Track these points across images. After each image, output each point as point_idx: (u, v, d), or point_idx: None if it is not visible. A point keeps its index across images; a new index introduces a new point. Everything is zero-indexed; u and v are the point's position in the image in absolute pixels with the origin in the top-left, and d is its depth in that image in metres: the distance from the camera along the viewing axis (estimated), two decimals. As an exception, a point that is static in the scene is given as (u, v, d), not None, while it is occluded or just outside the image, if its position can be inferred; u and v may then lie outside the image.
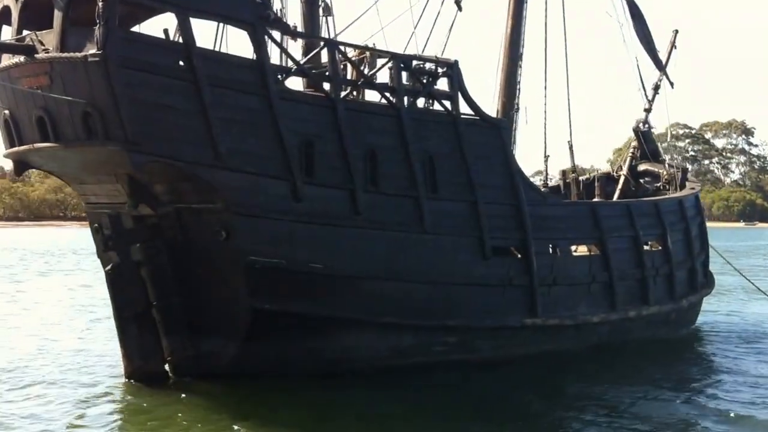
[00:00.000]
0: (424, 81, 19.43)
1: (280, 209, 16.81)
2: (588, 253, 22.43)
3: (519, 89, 24.75)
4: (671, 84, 29.69)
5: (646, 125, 29.89)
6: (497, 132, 20.30)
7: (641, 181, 29.51)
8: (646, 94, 29.18)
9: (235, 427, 14.65)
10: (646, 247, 24.05)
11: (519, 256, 20.48)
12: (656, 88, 29.37)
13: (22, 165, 17.24)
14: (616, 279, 22.30)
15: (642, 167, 29.89)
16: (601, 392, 17.75)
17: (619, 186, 29.07)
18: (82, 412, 15.68)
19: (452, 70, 19.48)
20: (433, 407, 16.31)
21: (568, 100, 25.75)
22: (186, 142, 15.78)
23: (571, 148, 25.99)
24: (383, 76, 18.98)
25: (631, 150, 30.36)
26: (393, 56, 18.80)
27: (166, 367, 17.92)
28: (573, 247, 22.40)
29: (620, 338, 22.63)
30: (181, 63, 15.69)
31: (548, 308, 20.71)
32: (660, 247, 24.35)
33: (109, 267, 17.36)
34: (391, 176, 18.25)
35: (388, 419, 15.51)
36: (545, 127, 25.31)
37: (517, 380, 18.95)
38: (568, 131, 26.55)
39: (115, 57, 14.85)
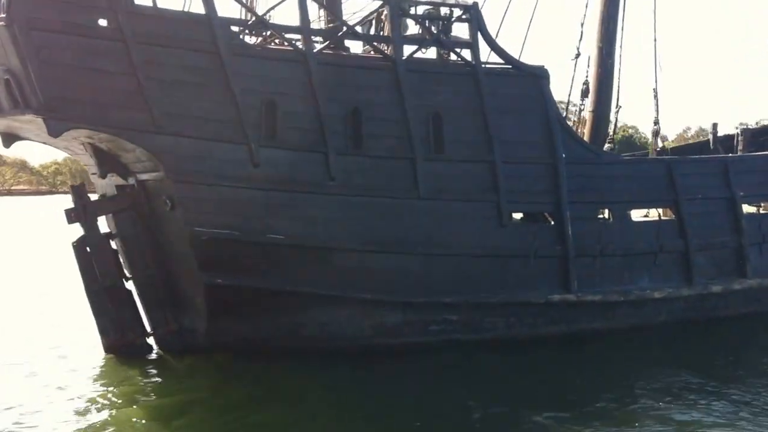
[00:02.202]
0: (434, 28, 17.22)
1: (234, 176, 15.50)
2: (657, 219, 19.28)
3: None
4: None
5: None
6: (534, 81, 17.75)
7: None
8: None
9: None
10: (751, 210, 20.48)
11: (552, 222, 17.87)
12: None
13: (7, 137, 16.80)
14: (693, 248, 19.06)
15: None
16: (613, 379, 15.62)
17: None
18: (60, 386, 15.16)
19: (470, 13, 17.17)
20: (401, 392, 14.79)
21: (655, 39, 22.18)
22: (113, 107, 14.78)
23: (656, 96, 22.46)
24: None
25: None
26: (387, 1, 16.78)
27: (151, 341, 17.09)
28: (644, 212, 19.37)
29: (703, 316, 19.44)
30: (101, 22, 14.62)
31: (589, 282, 18.02)
32: None
33: (75, 240, 16.71)
34: (379, 136, 16.42)
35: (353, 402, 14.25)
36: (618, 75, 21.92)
37: (533, 362, 16.85)
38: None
39: (22, 19, 14.07)
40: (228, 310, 15.93)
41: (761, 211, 21.00)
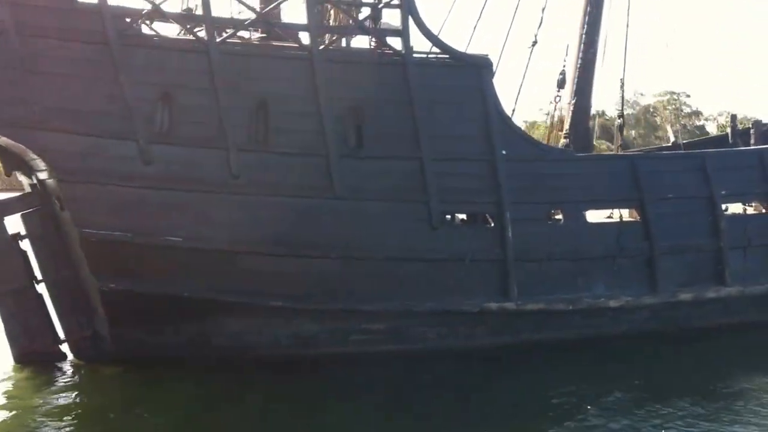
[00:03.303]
0: (361, 15, 16.16)
1: (124, 174, 14.61)
2: (617, 220, 17.67)
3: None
4: None
5: None
6: (474, 72, 16.37)
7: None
8: None
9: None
10: (736, 210, 18.66)
11: (492, 224, 16.47)
12: None
13: None
14: (660, 252, 17.36)
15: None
16: (548, 399, 14.09)
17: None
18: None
19: (402, 1, 15.94)
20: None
21: (627, 24, 20.42)
22: None
23: (622, 86, 20.64)
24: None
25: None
26: (304, -14, 15.66)
27: (65, 348, 16.30)
28: (610, 212, 17.79)
29: (675, 327, 17.73)
30: None
31: (534, 289, 16.54)
32: (764, 210, 18.69)
33: None
34: (289, 131, 15.31)
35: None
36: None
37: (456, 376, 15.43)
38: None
39: None
40: (128, 317, 15.03)
41: (750, 212, 18.94)
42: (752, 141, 22.42)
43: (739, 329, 18.40)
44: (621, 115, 20.29)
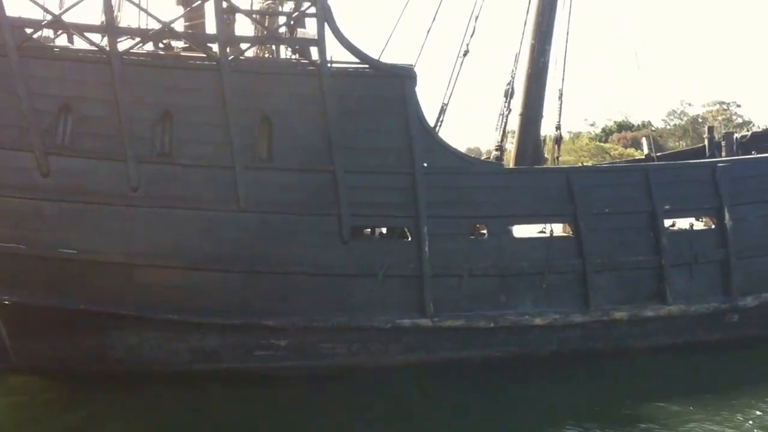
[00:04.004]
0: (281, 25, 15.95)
1: (19, 185, 14.51)
2: (546, 235, 17.04)
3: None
4: None
5: None
6: (395, 82, 15.97)
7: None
8: None
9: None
10: (682, 226, 17.94)
11: (409, 238, 16.02)
12: None
13: None
14: (593, 269, 16.70)
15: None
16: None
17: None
18: None
19: (317, 9, 15.62)
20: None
21: (567, 32, 19.66)
22: None
23: (560, 97, 19.88)
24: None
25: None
26: (211, -5, 15.44)
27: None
28: (545, 227, 17.20)
29: (611, 346, 17.05)
30: None
31: (453, 305, 16.02)
32: (713, 226, 17.87)
33: None
34: (194, 143, 15.06)
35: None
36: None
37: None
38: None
39: None
40: (27, 330, 14.91)
41: (698, 227, 18.13)
42: (723, 153, 21.66)
43: (685, 349, 17.61)
44: (558, 127, 19.55)
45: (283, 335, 15.42)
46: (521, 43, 19.04)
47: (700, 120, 75.85)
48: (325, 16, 15.53)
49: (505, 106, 19.51)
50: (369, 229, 16.66)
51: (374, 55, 16.43)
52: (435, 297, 15.90)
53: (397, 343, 15.93)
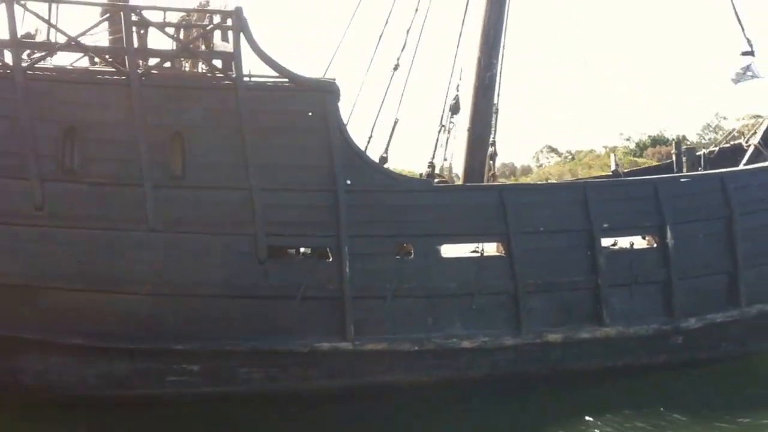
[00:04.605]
0: (196, 37, 15.46)
1: None
2: (478, 255, 16.43)
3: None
4: None
5: None
6: (316, 97, 15.46)
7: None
8: None
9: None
10: (622, 245, 17.33)
11: (330, 258, 15.46)
12: None
13: None
14: (525, 290, 16.09)
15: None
16: None
17: (744, 160, 21.15)
18: None
19: (233, 21, 15.16)
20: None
21: (503, 46, 18.97)
22: None
23: (495, 112, 19.18)
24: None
25: (773, 110, 22.00)
26: (120, 7, 14.98)
27: None
28: (478, 247, 16.60)
29: (548, 369, 16.42)
30: None
31: (376, 328, 15.44)
32: (654, 245, 17.23)
33: None
34: (101, 160, 14.58)
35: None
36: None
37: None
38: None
39: None
40: None
41: (642, 246, 17.48)
42: (684, 169, 21.03)
43: (626, 372, 16.98)
44: (493, 143, 18.89)
45: (194, 360, 14.87)
46: (454, 57, 18.41)
47: (735, 134, 75.05)
48: (241, 29, 15.06)
49: (450, 121, 18.92)
50: (294, 250, 16.09)
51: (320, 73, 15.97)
52: (357, 319, 15.33)
53: (318, 367, 15.32)
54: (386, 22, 18.91)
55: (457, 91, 19.00)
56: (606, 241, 17.16)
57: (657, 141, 69.92)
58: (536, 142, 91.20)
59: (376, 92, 19.52)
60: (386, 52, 19.56)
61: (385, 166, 18.05)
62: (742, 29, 20.52)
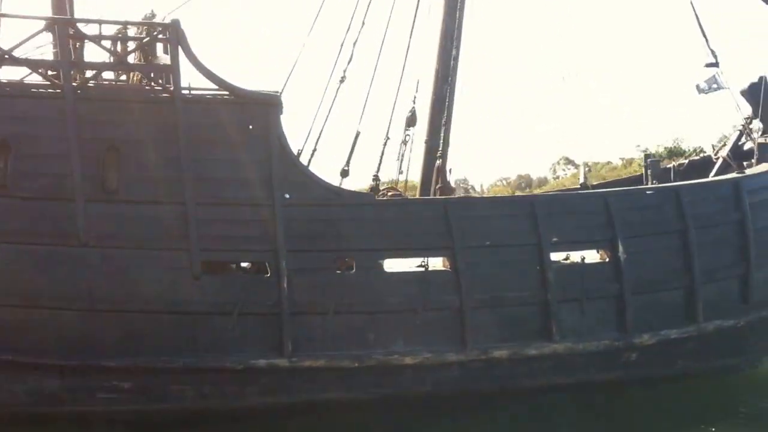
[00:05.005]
0: (131, 50, 15.32)
1: None
2: (422, 270, 16.17)
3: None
4: None
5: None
6: (257, 110, 15.31)
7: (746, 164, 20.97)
8: None
9: None
10: (573, 259, 17.03)
11: (268, 274, 15.24)
12: None
13: None
14: (470, 305, 15.80)
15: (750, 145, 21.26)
16: None
17: (713, 172, 20.84)
18: None
19: (170, 34, 15.02)
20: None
21: (454, 58, 18.70)
22: None
23: (446, 123, 18.87)
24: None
25: (743, 121, 21.65)
26: (53, 20, 14.87)
27: None
28: (424, 261, 16.32)
29: (496, 386, 16.12)
30: None
31: (316, 345, 15.18)
32: (607, 259, 16.91)
33: None
34: (33, 175, 14.42)
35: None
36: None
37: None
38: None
39: None
40: None
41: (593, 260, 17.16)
42: (649, 181, 20.76)
43: (577, 389, 16.67)
44: (441, 156, 18.56)
45: (125, 377, 14.64)
46: (402, 68, 18.17)
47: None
48: (178, 42, 14.93)
49: (406, 134, 18.70)
50: (235, 265, 15.88)
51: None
52: (295, 336, 15.08)
53: (254, 385, 15.07)
54: (348, 30, 18.53)
55: (414, 103, 18.70)
56: (558, 256, 16.84)
57: (673, 153, 69.23)
58: (553, 154, 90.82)
59: (340, 105, 19.44)
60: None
61: (347, 179, 17.91)
62: (706, 41, 20.21)
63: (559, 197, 17.62)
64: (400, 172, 18.57)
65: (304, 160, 17.41)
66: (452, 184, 19.24)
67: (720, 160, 21.21)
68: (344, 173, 18.26)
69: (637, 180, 21.88)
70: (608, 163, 70.75)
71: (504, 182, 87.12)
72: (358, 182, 20.15)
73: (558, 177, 79.71)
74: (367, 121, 18.80)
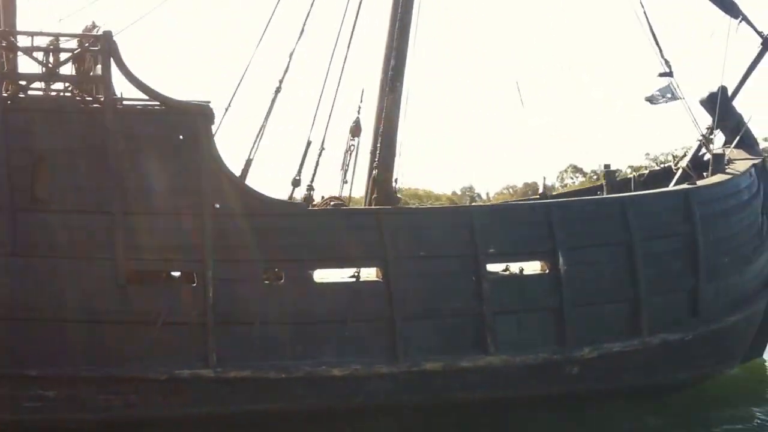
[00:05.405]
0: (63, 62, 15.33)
1: None
2: (354, 280, 16.09)
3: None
4: None
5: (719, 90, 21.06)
6: (188, 120, 15.31)
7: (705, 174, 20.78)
8: None
9: None
10: (510, 270, 16.89)
11: (195, 284, 15.22)
12: None
13: None
14: (401, 316, 15.70)
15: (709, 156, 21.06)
16: None
17: (672, 183, 20.65)
18: None
19: (102, 45, 15.07)
20: None
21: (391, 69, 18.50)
22: None
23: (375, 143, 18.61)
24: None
25: (705, 131, 21.47)
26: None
27: None
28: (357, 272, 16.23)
29: (430, 399, 16.00)
30: None
31: (244, 355, 15.12)
32: (547, 270, 16.76)
33: None
34: None
35: None
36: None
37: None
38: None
39: None
40: None
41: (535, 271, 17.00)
42: (604, 192, 20.62)
43: (517, 403, 16.51)
44: (377, 166, 18.38)
45: (50, 386, 14.62)
46: (339, 77, 18.04)
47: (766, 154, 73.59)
48: (110, 53, 14.98)
49: (351, 144, 18.60)
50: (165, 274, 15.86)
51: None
52: (220, 346, 15.01)
53: (179, 395, 15.01)
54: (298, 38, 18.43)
55: (358, 113, 18.60)
56: (498, 267, 16.70)
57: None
58: (561, 161, 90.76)
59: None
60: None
61: (299, 188, 17.85)
62: (660, 51, 20.03)
63: (498, 207, 17.50)
64: (345, 182, 18.45)
65: (252, 169, 17.35)
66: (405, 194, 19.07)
67: (680, 171, 20.98)
68: (296, 182, 18.13)
69: (597, 190, 21.71)
70: (617, 171, 70.45)
71: (510, 190, 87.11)
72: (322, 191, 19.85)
73: (566, 185, 79.47)
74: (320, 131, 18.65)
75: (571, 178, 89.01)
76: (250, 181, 16.77)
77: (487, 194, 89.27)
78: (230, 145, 17.38)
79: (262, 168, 18.89)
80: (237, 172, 16.35)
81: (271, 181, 19.43)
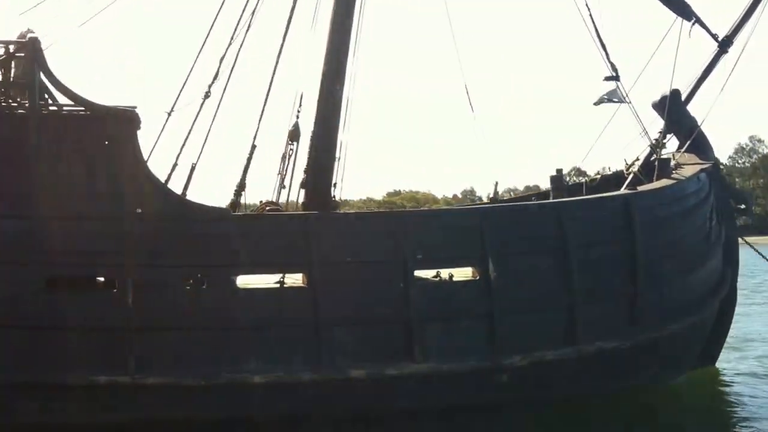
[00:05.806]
0: None
1: None
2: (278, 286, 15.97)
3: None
4: None
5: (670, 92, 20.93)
6: (113, 126, 15.32)
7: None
8: None
9: None
10: (441, 276, 16.71)
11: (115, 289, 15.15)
12: None
13: None
14: (327, 323, 15.60)
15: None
16: None
17: (623, 188, 20.45)
18: None
19: (27, 51, 15.09)
20: None
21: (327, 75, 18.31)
22: None
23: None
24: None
25: (657, 135, 21.33)
26: None
27: None
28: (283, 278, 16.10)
29: (357, 408, 15.90)
30: None
31: (157, 362, 15.05)
32: (478, 277, 16.60)
33: None
34: None
35: None
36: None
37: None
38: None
39: None
40: None
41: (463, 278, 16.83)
42: (551, 197, 20.49)
43: (448, 413, 16.35)
44: (306, 171, 18.19)
45: None
46: (271, 78, 17.92)
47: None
48: (35, 58, 14.96)
49: (290, 148, 18.48)
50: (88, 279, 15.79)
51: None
52: (139, 352, 14.91)
53: (97, 401, 14.93)
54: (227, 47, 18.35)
55: (297, 118, 18.48)
56: (427, 274, 16.54)
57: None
58: (565, 164, 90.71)
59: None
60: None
61: (243, 194, 17.78)
62: (606, 55, 19.86)
63: (429, 213, 17.31)
64: (283, 187, 18.33)
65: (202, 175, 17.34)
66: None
67: (631, 176, 20.82)
68: (241, 186, 18.06)
69: (545, 196, 21.57)
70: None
71: (512, 193, 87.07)
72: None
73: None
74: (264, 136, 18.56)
75: (575, 181, 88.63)
76: (197, 188, 16.78)
77: (488, 196, 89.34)
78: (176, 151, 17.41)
79: (211, 174, 18.87)
80: (182, 179, 16.23)
81: (220, 186, 19.46)
